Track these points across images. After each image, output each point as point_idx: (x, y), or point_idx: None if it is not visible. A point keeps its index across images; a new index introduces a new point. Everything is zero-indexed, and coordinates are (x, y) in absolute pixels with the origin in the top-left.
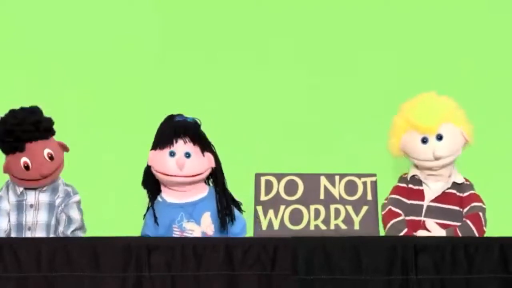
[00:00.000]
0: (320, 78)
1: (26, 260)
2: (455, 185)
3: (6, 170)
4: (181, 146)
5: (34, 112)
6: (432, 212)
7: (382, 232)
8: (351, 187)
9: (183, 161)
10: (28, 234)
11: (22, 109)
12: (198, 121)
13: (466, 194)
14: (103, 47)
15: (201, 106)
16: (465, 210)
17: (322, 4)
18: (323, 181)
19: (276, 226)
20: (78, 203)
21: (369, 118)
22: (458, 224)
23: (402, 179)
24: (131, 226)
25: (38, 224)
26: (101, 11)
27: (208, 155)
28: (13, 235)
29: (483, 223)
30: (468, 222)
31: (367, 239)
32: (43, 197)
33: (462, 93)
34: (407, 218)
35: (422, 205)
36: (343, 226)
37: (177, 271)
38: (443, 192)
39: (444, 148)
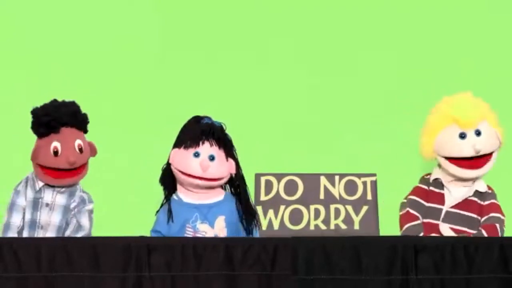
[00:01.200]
0: (320, 78)
1: (26, 260)
2: (477, 193)
3: (34, 156)
4: (207, 148)
5: (74, 103)
6: (450, 218)
7: (382, 232)
8: (351, 187)
9: (207, 164)
10: (40, 233)
11: (62, 100)
12: (224, 125)
13: (487, 202)
14: (103, 47)
15: (201, 106)
16: (483, 219)
17: (322, 4)
18: (323, 181)
19: (276, 226)
20: (91, 211)
21: (369, 118)
22: (474, 232)
23: (423, 180)
24: (131, 226)
25: (51, 224)
26: (101, 11)
27: (231, 161)
28: (25, 231)
29: (499, 234)
30: (483, 232)
31: (367, 239)
32: (60, 199)
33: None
34: (425, 220)
35: (441, 209)
36: (343, 226)
37: (177, 271)
38: (465, 199)
39: (484, 142)
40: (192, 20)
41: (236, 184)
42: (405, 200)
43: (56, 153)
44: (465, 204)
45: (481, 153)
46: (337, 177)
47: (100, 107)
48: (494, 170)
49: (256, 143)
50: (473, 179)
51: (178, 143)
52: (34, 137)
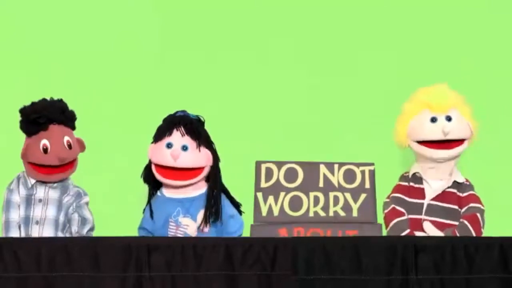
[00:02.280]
0: (320, 78)
1: (26, 260)
2: (455, 184)
3: (24, 155)
4: (178, 138)
5: (61, 101)
6: (432, 211)
7: (379, 220)
8: (349, 176)
9: (178, 153)
10: (36, 228)
11: (50, 98)
12: (201, 118)
13: (465, 194)
14: (103, 47)
15: (200, 106)
16: (463, 210)
17: (322, 4)
18: (323, 169)
19: (276, 212)
20: (87, 203)
21: (369, 118)
22: (457, 223)
23: (403, 177)
24: (131, 226)
25: (46, 219)
26: (101, 11)
27: (206, 152)
28: (21, 228)
29: (481, 224)
30: (466, 222)
31: (367, 239)
32: (52, 193)
33: (462, 93)
34: (409, 216)
35: (423, 204)
36: (341, 213)
37: (177, 271)
38: (443, 191)
39: (453, 126)
40: (192, 20)
41: (212, 176)
42: (387, 199)
43: (45, 150)
44: (444, 195)
45: (449, 136)
46: (336, 166)
47: (100, 107)
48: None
49: (256, 143)
50: (447, 161)
51: (154, 138)
52: (22, 137)
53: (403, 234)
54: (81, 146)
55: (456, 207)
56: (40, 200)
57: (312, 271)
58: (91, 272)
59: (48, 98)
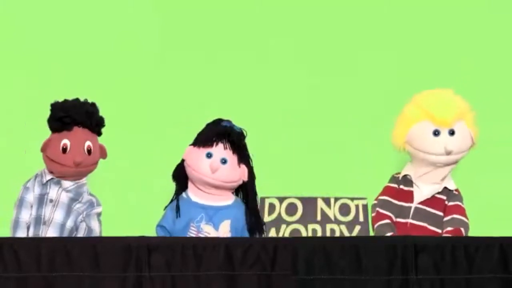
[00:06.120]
0: (320, 78)
1: (26, 260)
2: (446, 191)
3: (44, 148)
4: (220, 150)
5: (93, 105)
6: (419, 215)
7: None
8: (344, 209)
9: (217, 166)
10: (44, 229)
11: (84, 99)
12: (244, 132)
13: (451, 203)
14: (103, 47)
15: (200, 107)
16: (446, 219)
17: (322, 4)
18: (320, 203)
19: None
20: (99, 214)
21: (369, 118)
22: (440, 231)
23: (393, 178)
24: (131, 226)
25: (53, 221)
26: (101, 11)
27: (243, 167)
28: (31, 228)
29: None
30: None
31: (367, 239)
32: (64, 197)
33: (462, 93)
34: (396, 220)
35: (410, 207)
36: None
37: (177, 271)
38: (433, 196)
39: (456, 143)
40: (192, 20)
41: (246, 191)
42: (375, 201)
43: (64, 150)
44: (432, 201)
45: (452, 154)
46: (332, 200)
47: (99, 107)
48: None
49: (256, 143)
50: (444, 165)
51: (195, 142)
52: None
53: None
54: (103, 153)
55: (440, 213)
56: (51, 201)
57: (312, 271)
58: (91, 272)
59: (82, 99)
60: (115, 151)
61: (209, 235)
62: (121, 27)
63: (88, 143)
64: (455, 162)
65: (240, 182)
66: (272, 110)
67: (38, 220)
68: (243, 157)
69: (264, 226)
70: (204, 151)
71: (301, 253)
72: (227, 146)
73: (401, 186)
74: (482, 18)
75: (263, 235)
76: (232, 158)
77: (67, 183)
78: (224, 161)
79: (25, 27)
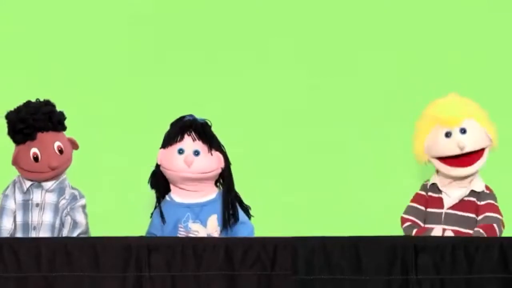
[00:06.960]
0: (320, 78)
1: (26, 260)
2: (473, 193)
3: (15, 161)
4: (190, 143)
5: (48, 104)
6: (450, 220)
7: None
8: None
9: (191, 158)
10: (33, 234)
11: (36, 100)
12: (208, 122)
13: (483, 203)
14: (103, 47)
15: (200, 107)
16: (479, 218)
17: (322, 4)
18: None
19: None
20: (84, 207)
21: (370, 118)
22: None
23: (423, 186)
24: (131, 226)
25: (43, 224)
26: (101, 11)
27: (217, 154)
28: (18, 235)
29: (498, 234)
30: (482, 231)
31: (367, 239)
32: (49, 197)
33: (462, 93)
34: (427, 225)
35: (441, 213)
36: None
37: (177, 271)
38: (462, 200)
39: (469, 140)
40: (192, 21)
41: (223, 178)
42: (407, 207)
43: (36, 158)
44: (462, 204)
45: (466, 150)
46: None
47: (99, 107)
48: (495, 169)
49: (256, 143)
50: (466, 177)
51: (163, 143)
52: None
53: None
54: (74, 146)
55: (474, 215)
56: (37, 205)
57: (312, 271)
58: (91, 272)
59: (34, 99)
60: (115, 151)
61: (198, 233)
62: (120, 27)
63: (57, 143)
64: (475, 172)
65: (219, 170)
66: (272, 110)
67: (26, 226)
68: (214, 144)
69: (249, 210)
70: (174, 148)
71: (301, 253)
72: (195, 137)
73: (430, 193)
74: (483, 18)
75: (236, 222)
76: (203, 148)
77: (48, 184)
78: (197, 153)
79: (24, 28)
